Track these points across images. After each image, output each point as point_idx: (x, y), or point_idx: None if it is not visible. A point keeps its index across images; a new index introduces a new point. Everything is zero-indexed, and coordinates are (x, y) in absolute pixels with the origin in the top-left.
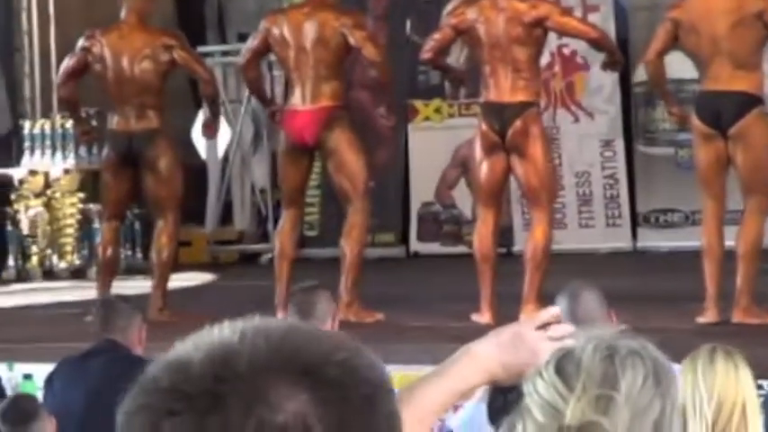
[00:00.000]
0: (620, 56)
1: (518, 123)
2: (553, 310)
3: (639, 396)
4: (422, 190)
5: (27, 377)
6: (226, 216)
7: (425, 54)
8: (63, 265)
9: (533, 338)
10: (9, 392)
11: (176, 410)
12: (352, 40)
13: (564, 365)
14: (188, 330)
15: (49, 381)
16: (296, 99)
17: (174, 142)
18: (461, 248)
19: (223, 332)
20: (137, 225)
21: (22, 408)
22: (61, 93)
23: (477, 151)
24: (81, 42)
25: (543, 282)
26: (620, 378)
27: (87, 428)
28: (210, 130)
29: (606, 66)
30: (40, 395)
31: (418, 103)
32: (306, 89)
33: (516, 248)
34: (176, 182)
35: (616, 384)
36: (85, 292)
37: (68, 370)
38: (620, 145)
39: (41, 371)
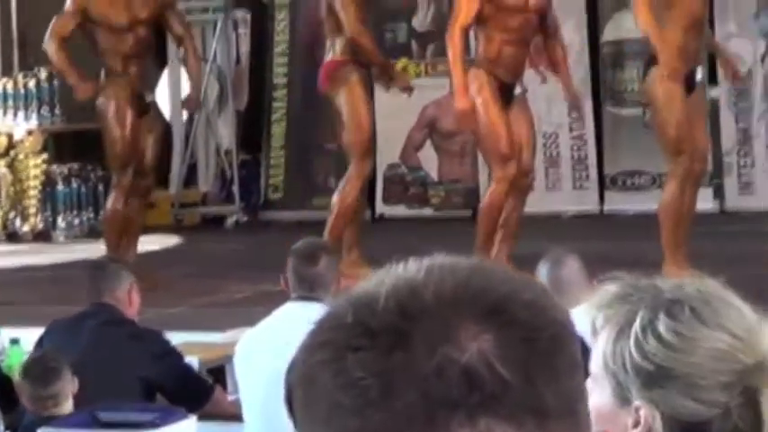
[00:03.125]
0: None
1: None
2: None
3: (749, 331)
4: (388, 151)
5: (14, 342)
6: (190, 178)
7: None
8: (26, 228)
9: None
10: None
11: (360, 346)
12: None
13: (676, 314)
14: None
15: (40, 343)
16: None
17: None
18: (427, 211)
19: (408, 268)
20: (100, 187)
21: (45, 366)
22: None
23: None
24: None
25: (488, 239)
26: (729, 315)
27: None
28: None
29: None
30: None
31: None
32: None
33: None
34: None
35: (726, 321)
36: (50, 255)
37: (59, 333)
38: (588, 106)
39: (27, 335)
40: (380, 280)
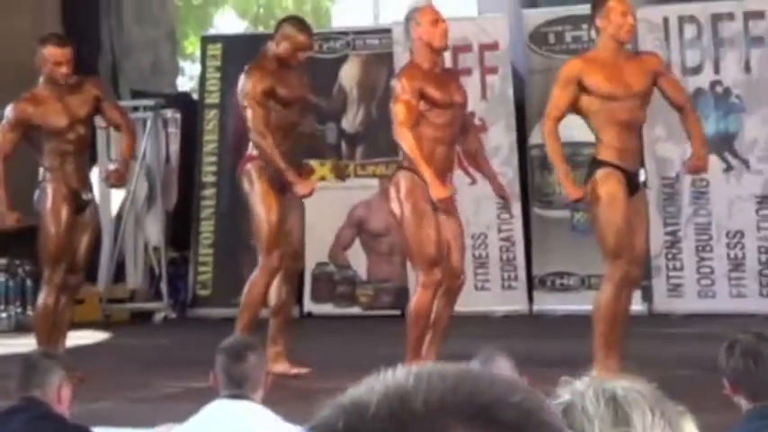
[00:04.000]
0: None
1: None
2: None
3: (653, 428)
4: (316, 250)
5: None
6: (118, 274)
7: None
8: None
9: None
10: None
11: None
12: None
13: (572, 419)
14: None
15: None
16: None
17: None
18: (355, 309)
19: (397, 375)
20: (28, 282)
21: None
22: None
23: None
24: None
25: (418, 344)
26: (630, 415)
27: None
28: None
29: None
30: None
31: (314, 163)
32: None
33: None
34: None
35: (629, 422)
36: None
37: None
38: (516, 207)
39: None
40: (370, 387)
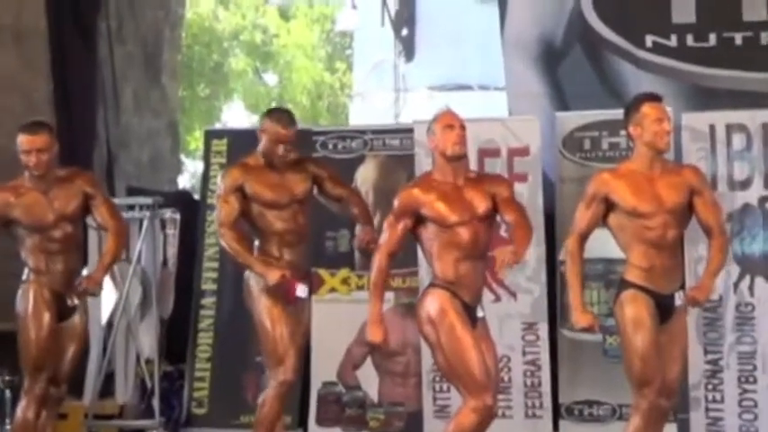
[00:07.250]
0: None
1: None
2: None
3: None
4: (323, 368)
5: None
6: (107, 388)
7: None
8: None
9: None
10: None
11: None
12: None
13: None
14: None
15: None
16: None
17: None
18: None
19: None
20: (7, 393)
21: None
22: None
23: None
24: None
25: None
26: None
27: None
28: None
29: None
30: None
31: (324, 273)
32: None
33: None
34: None
35: None
36: None
37: None
38: (543, 328)
39: None
40: None
